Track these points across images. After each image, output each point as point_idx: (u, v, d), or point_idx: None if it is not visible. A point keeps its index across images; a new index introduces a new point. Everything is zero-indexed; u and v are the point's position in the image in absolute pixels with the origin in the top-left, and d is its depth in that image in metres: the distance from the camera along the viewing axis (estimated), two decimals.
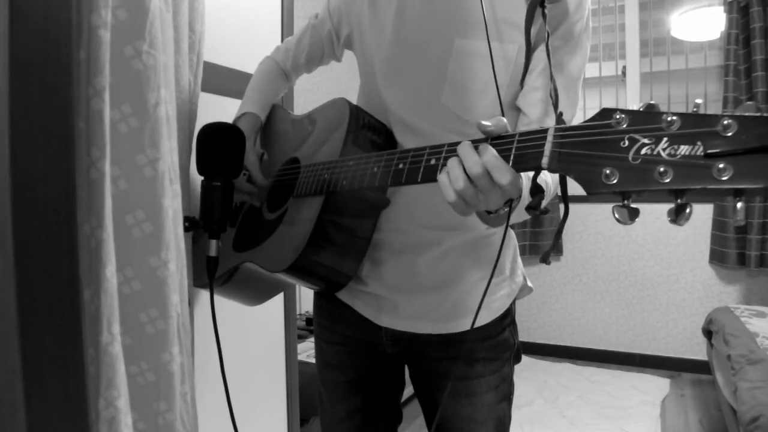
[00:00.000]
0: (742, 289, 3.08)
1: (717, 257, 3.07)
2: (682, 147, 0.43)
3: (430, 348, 0.92)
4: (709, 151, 0.42)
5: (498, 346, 0.92)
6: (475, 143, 0.59)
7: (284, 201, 0.93)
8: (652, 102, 0.47)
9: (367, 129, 0.86)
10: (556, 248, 3.42)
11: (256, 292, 1.07)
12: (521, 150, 0.56)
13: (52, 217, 0.70)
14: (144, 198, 0.81)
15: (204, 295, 1.16)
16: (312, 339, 1.79)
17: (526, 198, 0.64)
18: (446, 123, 0.82)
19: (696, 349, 3.15)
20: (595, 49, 3.47)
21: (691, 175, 0.43)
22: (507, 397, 0.94)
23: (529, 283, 0.98)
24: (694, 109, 0.44)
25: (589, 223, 3.41)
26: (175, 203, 0.86)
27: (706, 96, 3.25)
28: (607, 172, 0.47)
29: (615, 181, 0.46)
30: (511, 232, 0.97)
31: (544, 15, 0.73)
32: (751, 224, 2.92)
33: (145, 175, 0.81)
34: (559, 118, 0.57)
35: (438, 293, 0.89)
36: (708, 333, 2.64)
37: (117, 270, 0.78)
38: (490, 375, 0.91)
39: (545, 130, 0.53)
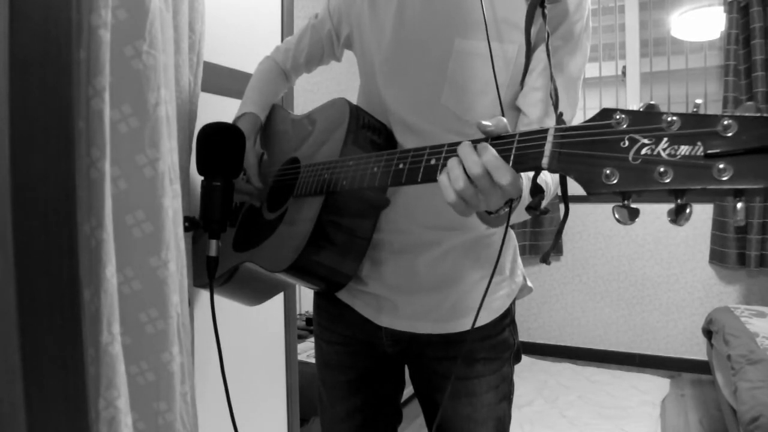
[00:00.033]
0: (742, 289, 3.08)
1: (717, 257, 3.07)
2: (682, 147, 0.43)
3: (430, 348, 0.92)
4: (709, 152, 0.42)
5: (498, 345, 0.92)
6: (475, 143, 0.59)
7: (284, 201, 0.93)
8: (652, 102, 0.47)
9: (367, 129, 0.86)
10: (556, 248, 3.42)
11: (256, 292, 1.07)
12: (521, 150, 0.55)
13: (52, 217, 0.70)
14: (144, 198, 0.81)
15: (204, 295, 1.16)
16: (312, 339, 1.79)
17: (526, 198, 0.64)
18: (446, 123, 0.82)
19: (696, 349, 3.15)
20: (595, 49, 3.47)
21: (691, 175, 0.43)
22: (507, 397, 0.94)
23: (529, 283, 0.98)
24: (694, 110, 0.44)
25: (589, 223, 3.41)
26: (175, 203, 0.86)
27: (706, 96, 3.25)
28: (608, 172, 0.47)
29: (615, 182, 0.46)
30: (511, 232, 0.97)
31: (544, 15, 0.73)
32: (751, 224, 2.92)
33: (145, 175, 0.81)
34: (560, 118, 0.57)
35: (438, 293, 0.89)
36: (708, 333, 2.64)
37: (117, 270, 0.78)
38: (490, 375, 0.91)
39: (545, 131, 0.53)
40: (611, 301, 3.38)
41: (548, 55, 0.71)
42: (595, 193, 0.48)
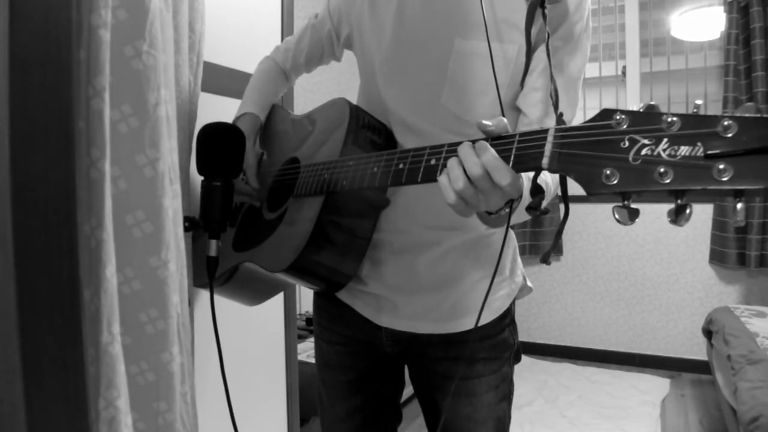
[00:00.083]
0: (742, 289, 3.08)
1: (717, 257, 3.07)
2: (682, 148, 0.43)
3: (430, 348, 0.92)
4: (710, 152, 0.42)
5: (498, 345, 0.92)
6: (475, 143, 0.59)
7: (284, 201, 0.93)
8: (652, 103, 0.47)
9: (367, 129, 0.86)
10: (556, 248, 3.42)
11: (256, 292, 1.07)
12: (521, 150, 0.56)
13: (52, 217, 0.70)
14: (144, 198, 0.81)
15: (204, 295, 1.16)
16: (312, 339, 1.79)
17: (526, 198, 0.64)
18: (446, 123, 0.82)
19: (696, 349, 3.16)
20: (595, 49, 3.47)
21: (692, 175, 0.43)
22: (507, 396, 0.94)
23: (529, 283, 0.98)
24: (695, 110, 0.44)
25: (589, 223, 3.41)
26: (175, 203, 0.86)
27: (706, 96, 3.25)
28: (608, 172, 0.47)
29: (615, 182, 0.46)
30: (511, 232, 0.97)
31: (544, 15, 0.73)
32: (751, 224, 2.93)
33: (145, 175, 0.81)
34: (560, 118, 0.57)
35: (438, 293, 0.89)
36: (708, 333, 2.64)
37: (117, 270, 0.78)
38: (490, 375, 0.91)
39: (545, 131, 0.53)
40: (611, 301, 3.38)
41: (548, 55, 0.71)
42: (595, 193, 0.48)
